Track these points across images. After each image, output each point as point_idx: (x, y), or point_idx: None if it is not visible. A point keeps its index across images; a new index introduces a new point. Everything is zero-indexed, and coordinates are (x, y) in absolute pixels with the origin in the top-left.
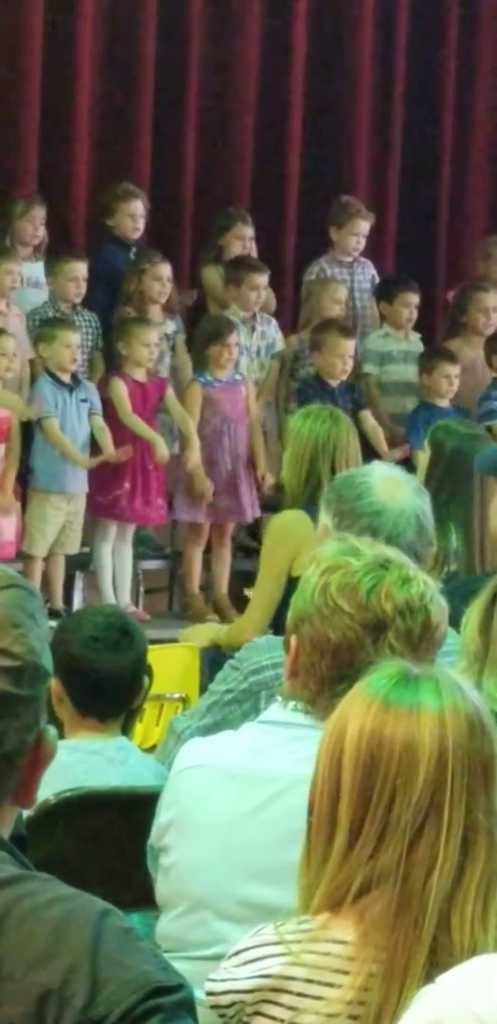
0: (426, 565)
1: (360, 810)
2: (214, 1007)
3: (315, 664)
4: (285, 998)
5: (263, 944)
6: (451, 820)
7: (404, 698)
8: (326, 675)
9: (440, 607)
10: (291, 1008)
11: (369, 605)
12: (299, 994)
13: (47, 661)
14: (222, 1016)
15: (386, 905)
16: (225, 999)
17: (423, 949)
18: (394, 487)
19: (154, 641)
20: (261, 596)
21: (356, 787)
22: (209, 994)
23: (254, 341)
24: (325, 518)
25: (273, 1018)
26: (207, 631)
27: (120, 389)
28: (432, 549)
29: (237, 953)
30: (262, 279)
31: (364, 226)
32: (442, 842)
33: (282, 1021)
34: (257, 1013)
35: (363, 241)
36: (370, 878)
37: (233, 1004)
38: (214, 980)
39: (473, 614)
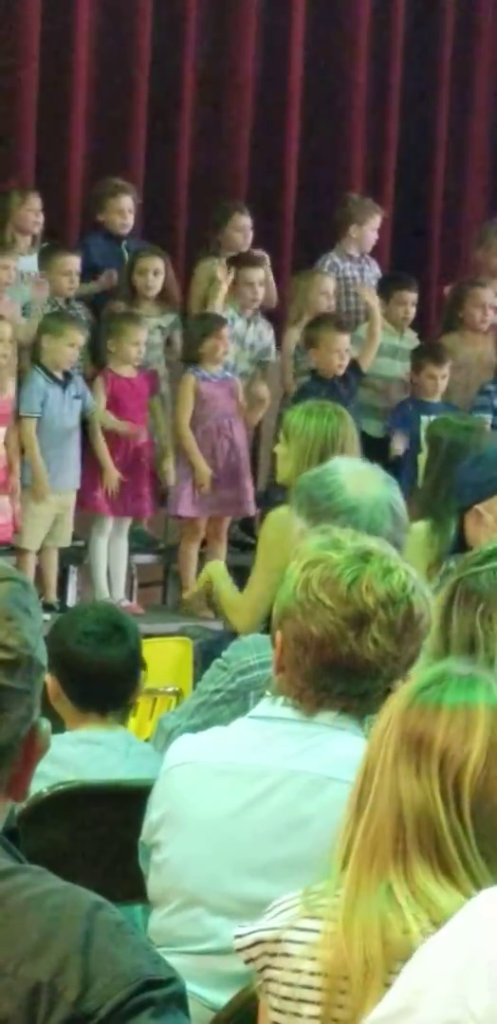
0: (405, 552)
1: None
2: (239, 951)
3: (299, 659)
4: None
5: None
6: None
7: None
8: (310, 670)
9: (423, 597)
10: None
11: (350, 598)
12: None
13: (41, 654)
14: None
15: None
16: (249, 939)
17: None
18: (363, 481)
19: (148, 635)
20: (252, 596)
21: (474, 819)
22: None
23: (248, 335)
24: (298, 522)
25: (292, 956)
26: (217, 570)
27: (99, 390)
28: (407, 536)
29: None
30: (256, 274)
31: (379, 221)
32: None
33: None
34: (282, 954)
35: (375, 236)
36: None
37: (256, 943)
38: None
39: (433, 614)
